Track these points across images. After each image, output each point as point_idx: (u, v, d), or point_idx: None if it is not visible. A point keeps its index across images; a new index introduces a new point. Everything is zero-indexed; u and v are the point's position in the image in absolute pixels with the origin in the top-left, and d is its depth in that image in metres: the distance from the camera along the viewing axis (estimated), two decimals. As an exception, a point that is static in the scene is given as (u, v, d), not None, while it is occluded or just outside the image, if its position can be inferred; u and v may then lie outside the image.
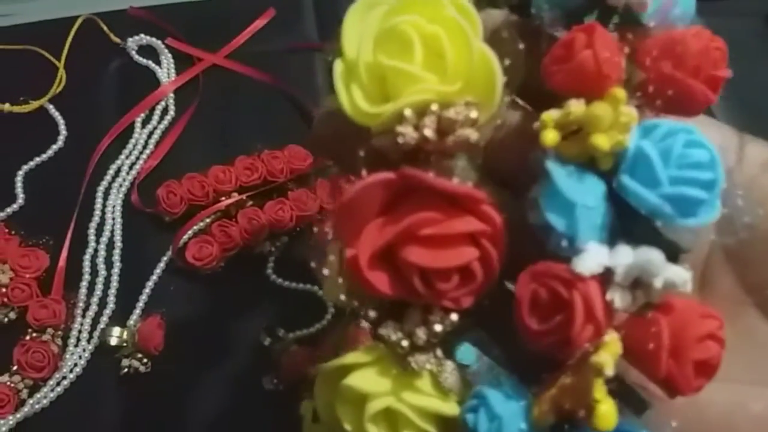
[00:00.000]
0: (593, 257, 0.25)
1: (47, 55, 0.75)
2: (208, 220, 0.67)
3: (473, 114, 0.27)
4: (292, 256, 0.66)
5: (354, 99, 0.27)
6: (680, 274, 0.26)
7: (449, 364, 0.27)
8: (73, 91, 0.73)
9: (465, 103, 0.27)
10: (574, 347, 0.25)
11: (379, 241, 0.27)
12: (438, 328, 0.27)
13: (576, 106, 0.26)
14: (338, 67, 0.28)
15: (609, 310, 0.26)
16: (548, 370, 0.27)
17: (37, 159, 0.70)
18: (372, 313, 0.27)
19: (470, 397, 0.27)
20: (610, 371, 0.24)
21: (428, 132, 0.27)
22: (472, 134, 0.27)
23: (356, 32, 0.28)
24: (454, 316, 0.27)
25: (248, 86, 0.73)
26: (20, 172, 0.69)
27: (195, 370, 0.61)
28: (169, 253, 0.66)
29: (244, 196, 0.67)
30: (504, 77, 0.28)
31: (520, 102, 0.31)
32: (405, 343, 0.27)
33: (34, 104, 0.72)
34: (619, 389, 0.27)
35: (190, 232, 0.66)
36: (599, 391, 0.25)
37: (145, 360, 0.61)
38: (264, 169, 0.67)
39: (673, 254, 0.27)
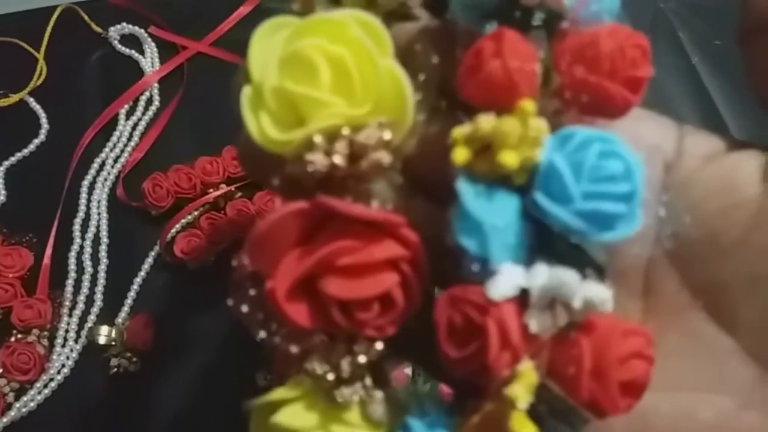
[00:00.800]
0: (507, 279, 0.26)
1: (26, 46, 0.76)
2: (196, 213, 0.68)
3: (386, 135, 0.27)
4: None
5: (262, 126, 0.28)
6: (599, 293, 0.26)
7: (377, 395, 0.28)
8: (54, 83, 0.74)
9: (378, 125, 0.27)
10: (492, 374, 0.26)
11: (296, 273, 0.27)
12: (362, 359, 0.28)
13: (484, 122, 0.26)
14: (246, 92, 0.29)
15: (528, 334, 0.26)
16: (473, 396, 0.27)
17: (19, 154, 0.71)
18: (294, 348, 0.28)
19: (398, 428, 0.28)
20: (523, 404, 0.25)
21: (338, 159, 0.27)
22: (385, 157, 0.27)
23: (263, 55, 0.28)
24: (378, 345, 0.28)
25: (234, 74, 0.72)
26: (1, 168, 0.70)
27: (186, 367, 0.63)
28: (157, 248, 0.67)
29: (232, 188, 0.69)
30: (419, 94, 0.28)
31: (447, 107, 0.31)
32: (330, 376, 0.28)
33: (14, 97, 0.73)
34: (555, 406, 0.27)
35: (177, 225, 0.68)
36: (518, 421, 0.25)
37: (134, 359, 0.63)
38: None
39: (600, 270, 0.27)
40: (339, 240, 0.27)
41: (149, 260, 0.67)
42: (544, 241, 0.27)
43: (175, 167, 0.68)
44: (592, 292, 0.26)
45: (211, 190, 0.68)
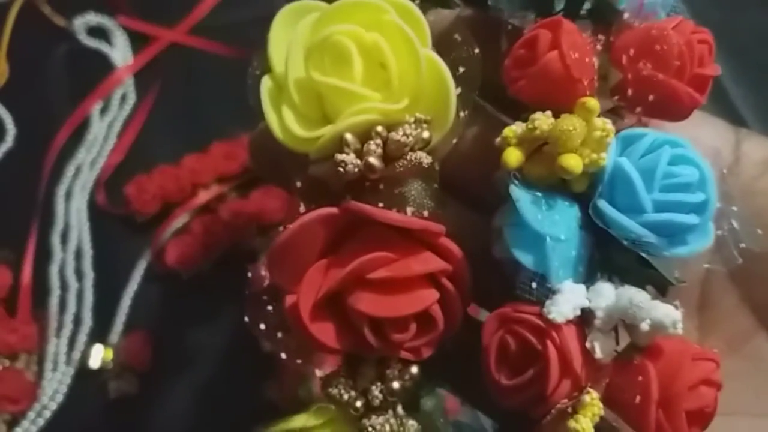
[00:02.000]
0: (568, 300, 0.24)
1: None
2: (187, 218, 0.67)
3: (425, 134, 0.26)
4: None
5: (285, 122, 0.26)
6: (670, 315, 0.24)
7: (411, 424, 0.27)
8: (18, 83, 0.72)
9: (415, 122, 0.26)
10: (550, 405, 0.24)
11: (323, 288, 0.26)
12: (396, 385, 0.26)
13: (542, 120, 0.25)
14: (266, 84, 0.27)
15: (588, 360, 0.25)
16: (522, 428, 0.26)
17: (-15, 163, 0.68)
18: (319, 372, 0.27)
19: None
20: None
21: (374, 160, 0.26)
22: (425, 158, 0.26)
23: (284, 43, 0.27)
24: (414, 369, 0.26)
25: (215, 63, 0.71)
26: (-33, 179, 0.68)
27: (190, 385, 0.60)
28: (147, 258, 0.65)
29: (225, 188, 0.67)
30: (458, 89, 0.27)
31: (487, 106, 0.30)
32: (359, 403, 0.26)
33: (-25, 101, 0.71)
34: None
35: (168, 232, 0.66)
36: None
37: (134, 380, 0.60)
38: (245, 156, 0.65)
39: (662, 288, 0.26)
40: (371, 251, 0.26)
41: (139, 272, 0.65)
42: (605, 254, 0.26)
43: (160, 168, 0.66)
44: (662, 314, 0.24)
45: (202, 191, 0.67)
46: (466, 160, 0.28)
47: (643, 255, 0.25)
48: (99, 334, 0.62)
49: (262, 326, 0.27)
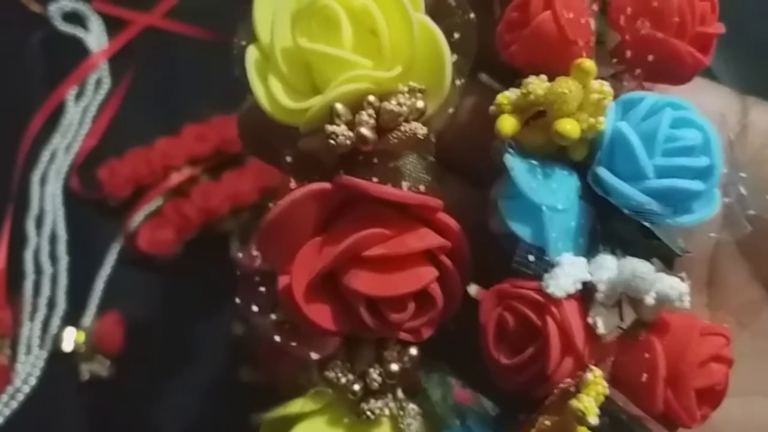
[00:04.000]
0: (568, 273, 0.22)
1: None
2: (159, 201, 0.63)
3: (420, 103, 0.24)
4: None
5: (273, 93, 0.24)
6: (676, 287, 0.22)
7: (412, 407, 0.25)
8: None
9: (408, 91, 0.24)
10: (552, 384, 0.22)
11: (316, 267, 0.24)
12: (395, 367, 0.24)
13: (536, 84, 0.23)
14: (251, 54, 0.24)
15: (591, 336, 0.23)
16: (524, 409, 0.24)
17: (-40, 149, 0.66)
18: (314, 355, 0.24)
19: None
20: (593, 420, 0.21)
21: (366, 131, 0.23)
22: (420, 129, 0.24)
23: (270, 11, 0.24)
24: (413, 351, 0.24)
25: (190, 46, 0.67)
26: (-58, 166, 0.65)
27: (163, 369, 0.58)
28: (120, 241, 0.62)
29: (197, 170, 0.64)
30: (453, 56, 0.24)
31: (484, 77, 0.27)
32: (357, 386, 0.24)
33: (-50, 88, 0.68)
34: (617, 417, 0.24)
35: (140, 215, 0.63)
36: None
37: (106, 363, 0.58)
38: (216, 137, 0.63)
39: (667, 259, 0.24)
40: (366, 228, 0.23)
41: (112, 255, 0.62)
42: (607, 225, 0.23)
43: (132, 151, 0.63)
44: (668, 286, 0.22)
45: (174, 173, 0.63)
46: (462, 132, 0.26)
47: (646, 225, 0.23)
48: (73, 318, 0.60)
49: (255, 308, 0.24)
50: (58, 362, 0.58)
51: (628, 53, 0.24)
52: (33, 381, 0.58)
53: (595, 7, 0.24)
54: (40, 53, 0.68)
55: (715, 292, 0.29)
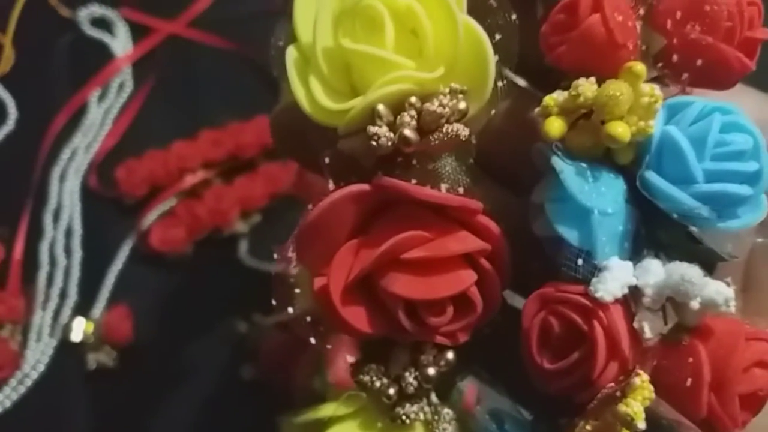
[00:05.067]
0: (616, 277, 0.20)
1: (-8, 32, 0.69)
2: (172, 201, 0.61)
3: (462, 105, 0.22)
4: (266, 235, 0.61)
5: (313, 94, 0.22)
6: (722, 292, 0.20)
7: (447, 412, 0.22)
8: (22, 69, 0.67)
9: (450, 92, 0.22)
10: (597, 389, 0.21)
11: (354, 269, 0.22)
12: (431, 371, 0.22)
13: (586, 87, 0.21)
14: (291, 54, 0.22)
15: (635, 341, 0.21)
16: (565, 414, 0.22)
17: (-14, 144, 0.64)
18: (350, 357, 0.22)
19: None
20: (642, 424, 0.20)
21: (408, 132, 0.21)
22: (462, 130, 0.21)
23: (311, 11, 0.22)
24: (450, 355, 0.22)
25: (211, 55, 0.67)
26: (-32, 159, 0.63)
27: (167, 362, 0.57)
28: (134, 238, 0.60)
29: (210, 173, 0.62)
30: (495, 56, 0.22)
31: (518, 80, 0.25)
32: (392, 390, 0.22)
33: (-19, 85, 0.66)
34: (649, 426, 0.22)
35: (153, 214, 0.61)
36: None
37: (113, 354, 0.56)
38: (231, 143, 0.61)
39: (711, 264, 0.22)
40: (405, 230, 0.21)
41: (125, 251, 0.61)
42: (652, 230, 0.22)
43: (149, 153, 0.62)
44: (714, 291, 0.20)
45: (188, 175, 0.62)
46: (500, 136, 0.24)
47: (692, 231, 0.21)
48: (83, 309, 0.59)
49: (290, 310, 0.22)
50: (67, 351, 0.57)
51: (675, 57, 0.22)
52: (41, 368, 0.57)
53: (641, 11, 0.22)
54: (67, 55, 0.67)
55: (750, 297, 0.27)
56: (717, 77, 0.22)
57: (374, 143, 0.21)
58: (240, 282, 0.59)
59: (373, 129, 0.21)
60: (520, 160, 0.23)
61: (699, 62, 0.21)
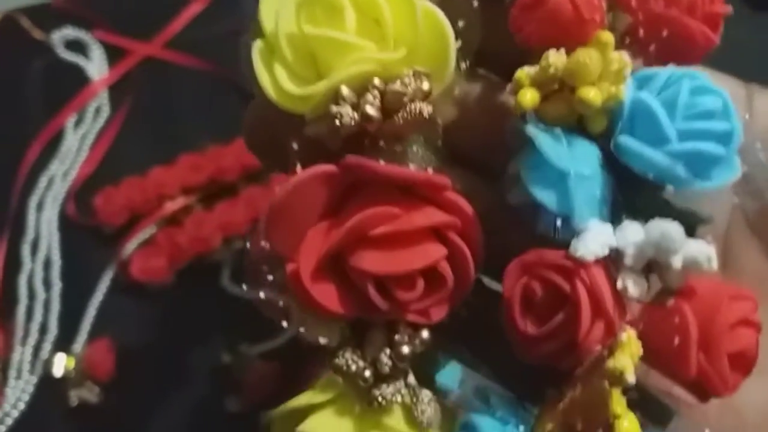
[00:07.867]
0: (596, 237, 0.21)
1: (-37, 58, 0.68)
2: (152, 229, 0.62)
3: (425, 85, 0.22)
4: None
5: (278, 80, 0.22)
6: (702, 250, 0.21)
7: (425, 393, 0.23)
8: None
9: (413, 73, 0.23)
10: (583, 352, 0.21)
11: (323, 249, 0.22)
12: (405, 350, 0.22)
13: (556, 57, 0.22)
14: (257, 46, 0.23)
15: (621, 302, 0.22)
16: (552, 383, 0.22)
17: (-41, 172, 0.64)
18: (323, 339, 0.23)
19: (457, 430, 0.23)
20: (631, 378, 0.20)
21: (370, 109, 0.22)
22: (426, 107, 0.22)
23: (275, 4, 0.23)
24: (424, 333, 0.22)
25: (188, 77, 0.68)
26: (-59, 189, 0.63)
27: (151, 397, 0.57)
28: (114, 268, 0.61)
29: (191, 199, 0.62)
30: (458, 41, 0.23)
31: (481, 71, 0.27)
32: (367, 373, 0.22)
33: (-48, 112, 0.66)
34: (638, 398, 0.23)
35: (133, 243, 0.61)
36: (618, 403, 0.21)
37: (95, 389, 0.56)
38: (211, 167, 0.62)
39: (689, 228, 0.23)
40: (372, 207, 0.22)
41: (105, 282, 0.60)
42: (628, 195, 0.22)
43: (127, 180, 0.62)
44: (695, 249, 0.21)
45: (168, 202, 0.62)
46: (469, 126, 0.25)
47: (668, 194, 0.22)
48: (64, 344, 0.59)
49: (262, 294, 0.23)
50: (48, 387, 0.57)
51: (641, 32, 0.23)
52: (22, 406, 0.56)
53: None
54: (41, 80, 0.68)
55: (728, 273, 0.28)
56: (682, 51, 0.23)
57: (337, 122, 0.22)
58: (223, 311, 0.59)
59: (336, 108, 0.22)
60: (491, 150, 0.24)
61: (665, 33, 0.23)
